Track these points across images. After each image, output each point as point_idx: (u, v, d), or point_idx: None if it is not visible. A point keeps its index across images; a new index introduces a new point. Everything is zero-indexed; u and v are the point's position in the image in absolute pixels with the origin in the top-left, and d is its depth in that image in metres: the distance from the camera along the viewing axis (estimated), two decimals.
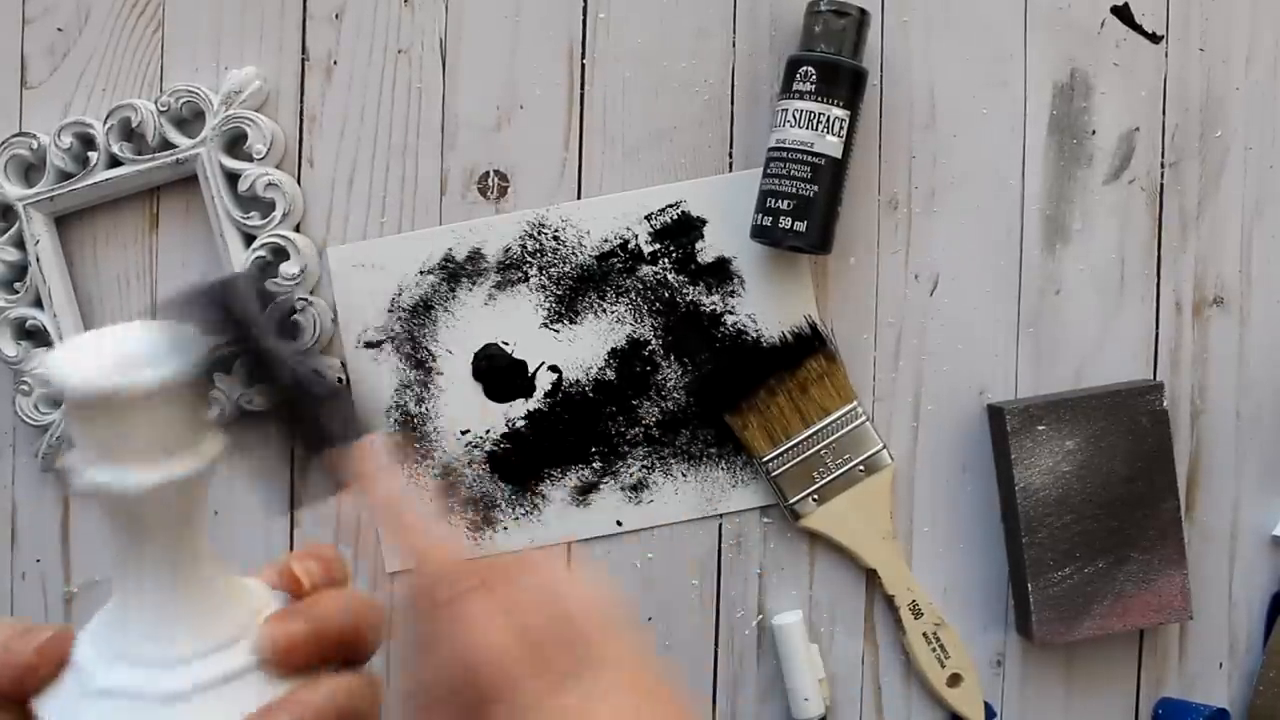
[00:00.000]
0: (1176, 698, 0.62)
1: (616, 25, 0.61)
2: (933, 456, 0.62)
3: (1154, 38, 0.62)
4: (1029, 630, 0.60)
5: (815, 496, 0.60)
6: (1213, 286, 0.62)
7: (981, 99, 0.61)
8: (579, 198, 0.61)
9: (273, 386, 0.34)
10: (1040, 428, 0.59)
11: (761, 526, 0.62)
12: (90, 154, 0.60)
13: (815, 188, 0.57)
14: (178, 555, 0.33)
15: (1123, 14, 0.62)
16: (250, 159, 0.59)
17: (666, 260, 0.61)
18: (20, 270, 0.61)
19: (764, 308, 0.61)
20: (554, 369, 0.61)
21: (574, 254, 0.61)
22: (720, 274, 0.61)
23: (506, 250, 0.61)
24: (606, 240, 0.61)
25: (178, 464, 0.31)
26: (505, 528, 0.61)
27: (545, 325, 0.61)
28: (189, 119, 0.60)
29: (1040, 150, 0.62)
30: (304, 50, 0.61)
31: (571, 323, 0.61)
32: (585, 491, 0.61)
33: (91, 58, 0.61)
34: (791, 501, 0.60)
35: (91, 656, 0.32)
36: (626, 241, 0.61)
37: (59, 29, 0.62)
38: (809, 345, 0.60)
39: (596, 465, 0.61)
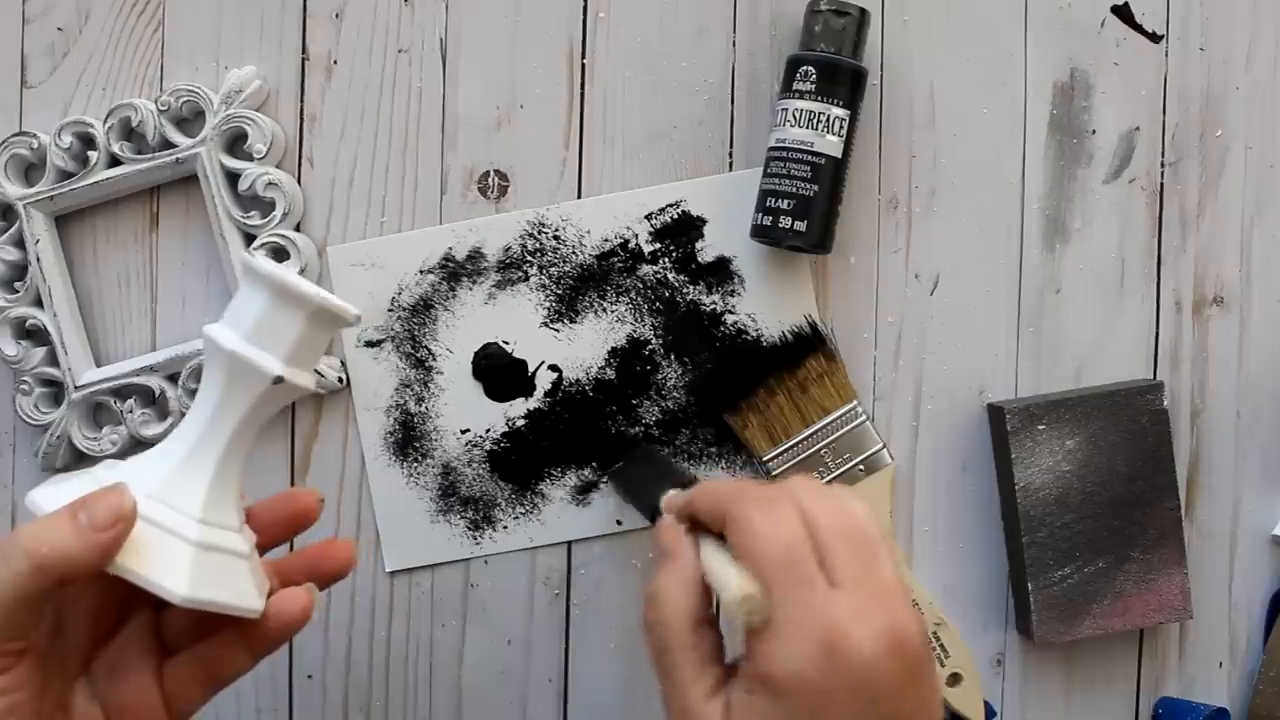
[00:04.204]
0: (1176, 697, 0.62)
1: (616, 25, 0.61)
2: (933, 456, 0.62)
3: (1154, 37, 0.62)
4: (1029, 630, 0.60)
5: None
6: (1213, 286, 0.62)
7: (981, 99, 0.62)
8: (579, 197, 0.61)
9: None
10: (1040, 427, 0.59)
11: None
12: (90, 153, 0.60)
13: (815, 187, 0.57)
14: (251, 446, 0.44)
15: (1123, 14, 0.62)
16: (250, 158, 0.59)
17: (666, 260, 0.61)
18: (20, 270, 0.61)
19: (764, 307, 0.61)
20: (554, 368, 0.61)
21: (574, 253, 0.61)
22: (720, 273, 0.61)
23: (506, 249, 0.61)
24: (606, 240, 0.61)
25: (312, 380, 0.44)
26: (505, 527, 0.61)
27: (545, 324, 0.61)
28: (189, 118, 0.61)
29: (1040, 150, 0.62)
30: (304, 50, 0.61)
31: (571, 322, 0.61)
32: (585, 491, 0.61)
33: (91, 57, 0.61)
34: None
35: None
36: (626, 241, 0.61)
37: (59, 29, 0.62)
38: (809, 345, 0.60)
39: (596, 465, 0.61)
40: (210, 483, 0.43)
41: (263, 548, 0.47)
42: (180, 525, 0.41)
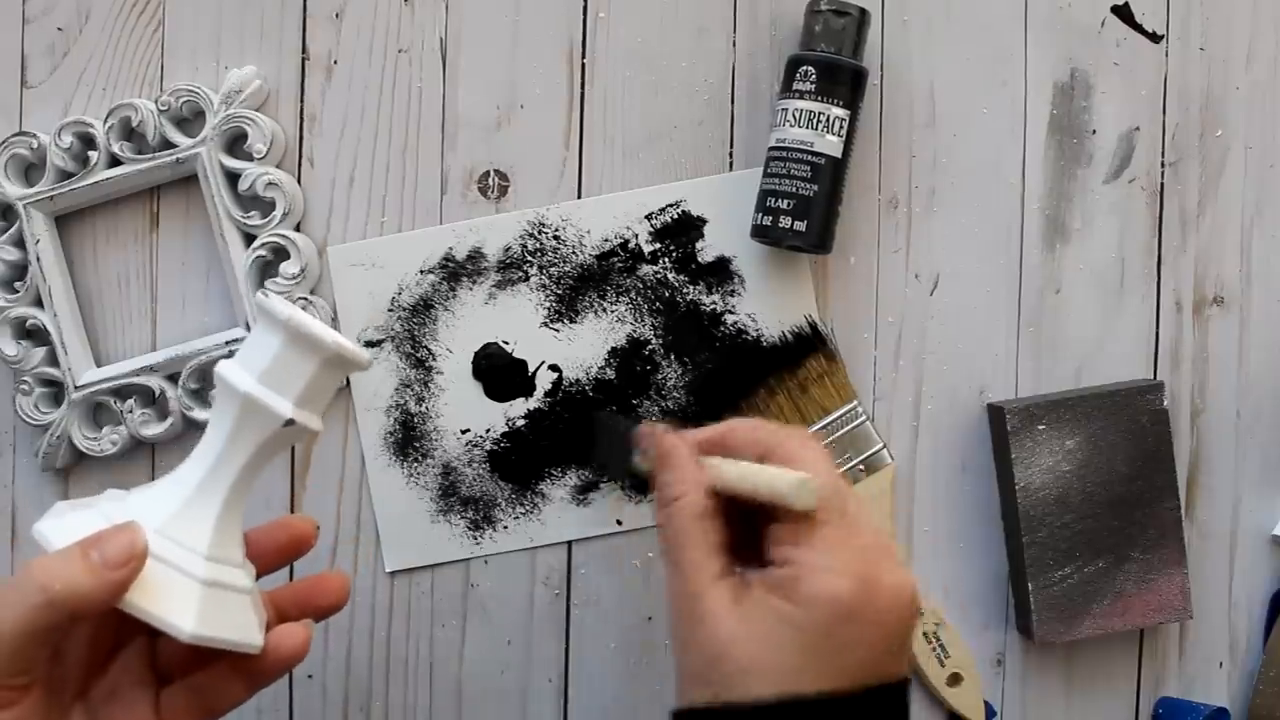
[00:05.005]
0: (1176, 697, 0.62)
1: (616, 25, 0.61)
2: (933, 456, 0.62)
3: (1154, 37, 0.62)
4: (1029, 630, 0.60)
5: None
6: (1213, 286, 0.62)
7: (981, 99, 0.62)
8: (579, 197, 0.61)
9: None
10: (1040, 427, 0.59)
11: None
12: (90, 153, 0.60)
13: (815, 187, 0.57)
14: (252, 484, 0.44)
15: (1123, 14, 0.62)
16: (250, 158, 0.59)
17: (666, 260, 0.61)
18: (20, 270, 0.61)
19: (764, 307, 0.61)
20: (554, 368, 0.61)
21: (574, 253, 0.61)
22: (720, 273, 0.61)
23: (507, 249, 0.61)
24: (607, 240, 0.61)
25: (320, 423, 0.45)
26: (505, 527, 0.61)
27: (545, 324, 0.61)
28: (189, 118, 0.61)
29: (1040, 150, 0.62)
30: (304, 50, 0.61)
31: (571, 322, 0.61)
32: (585, 491, 0.61)
33: (91, 57, 0.61)
34: None
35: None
36: (626, 241, 0.61)
37: (59, 29, 0.62)
38: (809, 345, 0.60)
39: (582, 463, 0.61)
40: (217, 519, 0.43)
41: (258, 574, 0.47)
42: (188, 562, 0.42)
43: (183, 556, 0.42)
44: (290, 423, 0.43)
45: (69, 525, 0.41)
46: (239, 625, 0.43)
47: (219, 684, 0.44)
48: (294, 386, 0.43)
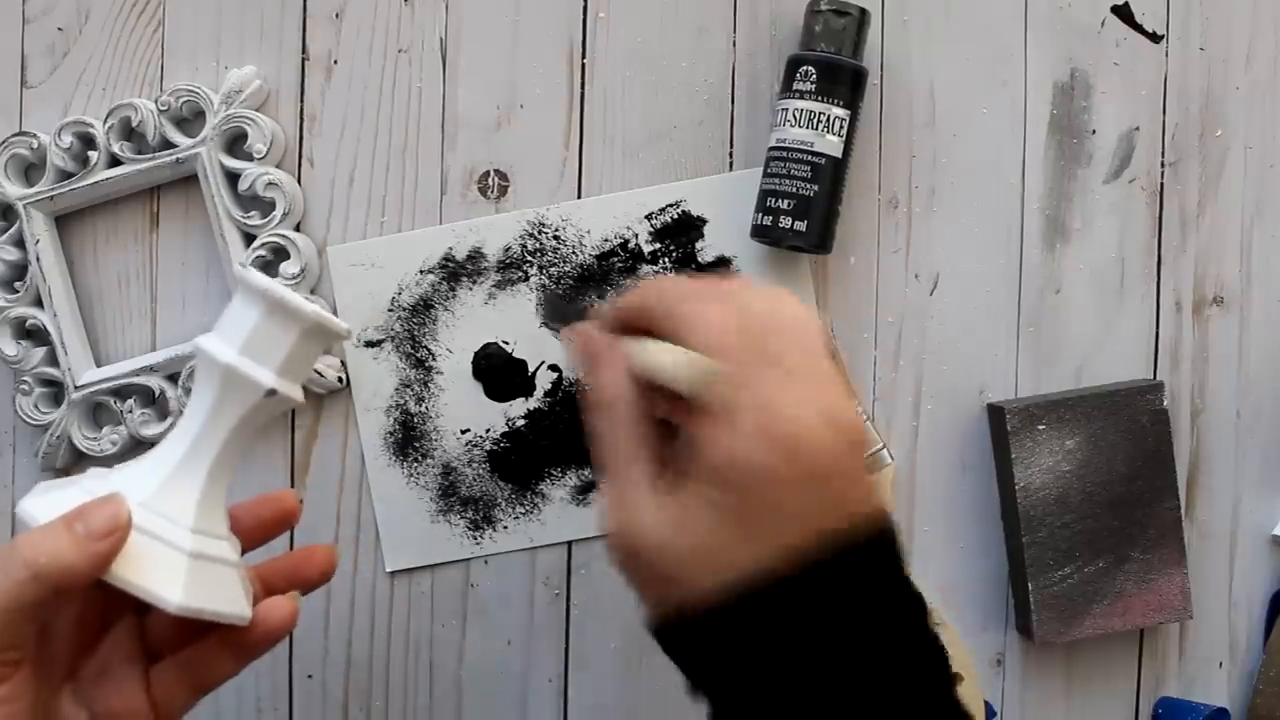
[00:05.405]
0: (1176, 697, 0.62)
1: (616, 25, 0.61)
2: (933, 456, 0.62)
3: (1154, 37, 0.62)
4: (1029, 630, 0.60)
5: None
6: (1213, 286, 0.62)
7: (981, 99, 0.62)
8: (579, 197, 0.61)
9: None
10: (1040, 427, 0.59)
11: None
12: (90, 153, 0.60)
13: (815, 187, 0.57)
14: (241, 455, 0.44)
15: (1123, 14, 0.62)
16: (250, 158, 0.59)
17: (667, 260, 0.61)
18: (20, 270, 0.61)
19: None
20: (554, 368, 0.61)
21: (574, 253, 0.61)
22: (720, 273, 0.61)
23: (506, 249, 0.61)
24: (607, 240, 0.61)
25: (301, 392, 0.45)
26: (505, 527, 0.61)
27: (545, 324, 0.61)
28: (189, 118, 0.61)
29: (1040, 150, 0.62)
30: (304, 50, 0.61)
31: None
32: (585, 491, 0.61)
33: (91, 57, 0.61)
34: None
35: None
36: (627, 241, 0.61)
37: (59, 29, 0.62)
38: None
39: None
40: (202, 492, 0.43)
41: (243, 550, 0.47)
42: (173, 534, 0.42)
43: (168, 529, 0.42)
44: (272, 393, 0.43)
45: (52, 501, 0.41)
46: (227, 597, 0.43)
47: (209, 658, 0.44)
48: (275, 357, 0.43)
